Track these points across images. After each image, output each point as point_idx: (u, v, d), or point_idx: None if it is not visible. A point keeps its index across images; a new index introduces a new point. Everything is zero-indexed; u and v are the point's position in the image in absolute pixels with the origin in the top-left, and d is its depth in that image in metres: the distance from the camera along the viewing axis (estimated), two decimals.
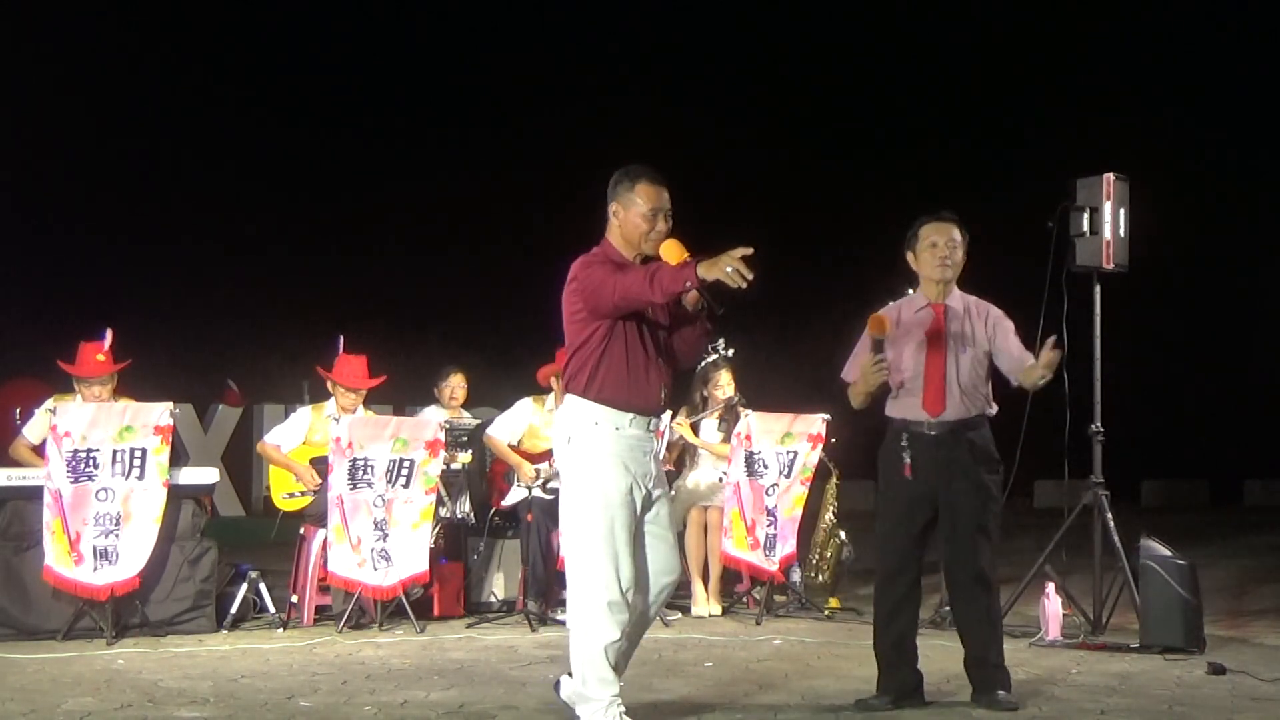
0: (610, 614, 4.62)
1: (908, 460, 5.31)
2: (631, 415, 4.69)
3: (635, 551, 4.70)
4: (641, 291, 4.52)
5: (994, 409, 5.49)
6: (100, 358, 7.32)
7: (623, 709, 4.66)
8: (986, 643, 5.41)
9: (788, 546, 8.26)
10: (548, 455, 8.10)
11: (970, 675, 5.48)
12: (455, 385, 9.05)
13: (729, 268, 4.33)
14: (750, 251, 4.34)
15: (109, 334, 7.42)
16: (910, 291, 5.79)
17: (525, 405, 8.33)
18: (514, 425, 8.29)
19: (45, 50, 16.26)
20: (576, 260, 4.77)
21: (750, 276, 4.32)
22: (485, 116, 20.18)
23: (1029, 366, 5.37)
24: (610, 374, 4.68)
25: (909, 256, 5.54)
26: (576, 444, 4.74)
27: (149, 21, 17.74)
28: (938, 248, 5.41)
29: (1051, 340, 5.28)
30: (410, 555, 7.47)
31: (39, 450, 7.33)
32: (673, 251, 4.66)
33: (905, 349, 5.41)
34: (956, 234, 5.46)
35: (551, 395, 8.32)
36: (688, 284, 4.44)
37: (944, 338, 5.38)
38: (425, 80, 19.87)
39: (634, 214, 4.74)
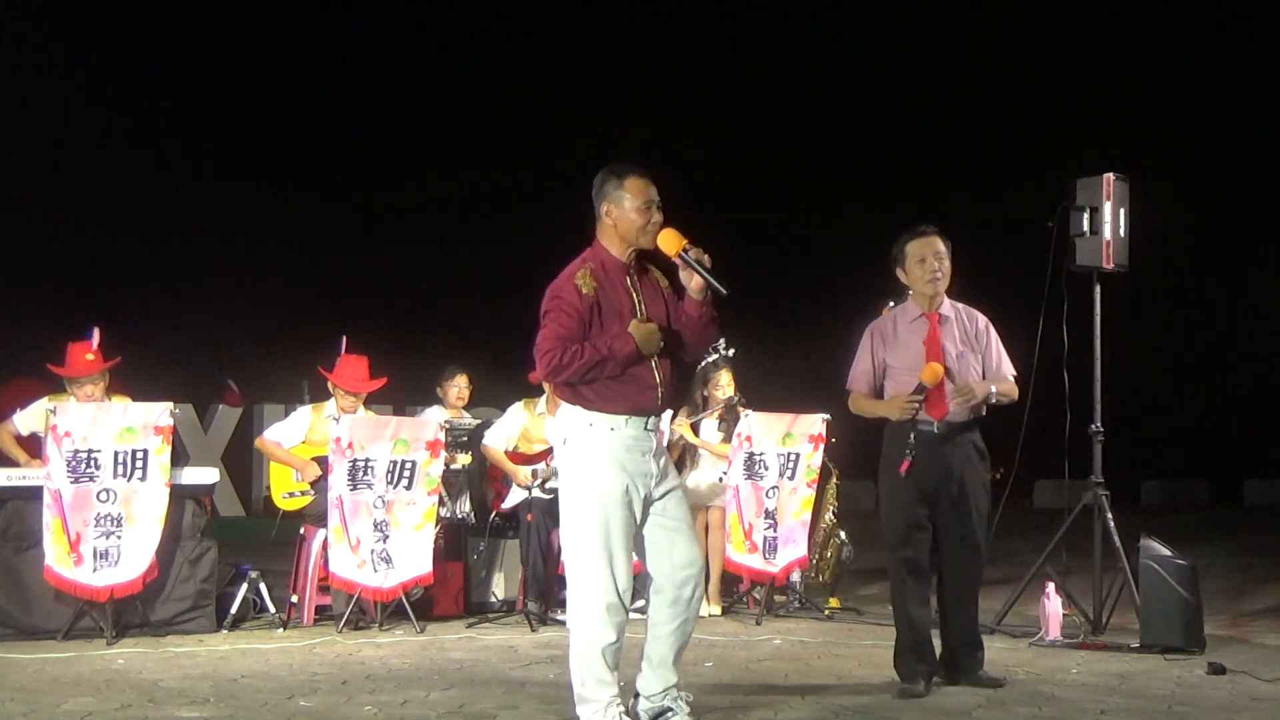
0: (607, 616, 4.60)
1: (909, 458, 5.55)
2: (626, 416, 4.66)
3: (631, 553, 4.67)
4: (582, 376, 4.60)
5: (984, 411, 5.75)
6: (89, 357, 7.28)
7: (622, 709, 4.66)
8: (974, 622, 5.80)
9: (798, 550, 8.25)
10: (543, 456, 8.11)
11: (959, 658, 5.75)
12: (462, 385, 9.07)
13: (657, 340, 4.59)
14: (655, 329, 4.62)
15: (96, 332, 7.37)
16: (891, 304, 6.07)
17: (516, 410, 8.35)
18: (508, 431, 8.30)
19: (43, 50, 16.26)
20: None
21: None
22: (487, 118, 20.19)
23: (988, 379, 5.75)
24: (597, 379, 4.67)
25: (898, 272, 5.80)
26: (571, 445, 4.72)
27: (148, 21, 17.74)
28: (926, 262, 5.68)
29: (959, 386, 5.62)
30: (414, 557, 7.46)
31: (24, 443, 7.32)
32: (669, 241, 4.65)
33: (905, 357, 5.69)
34: (941, 246, 5.72)
35: (543, 398, 8.32)
36: (629, 349, 4.57)
37: (940, 345, 5.66)
38: (428, 82, 19.88)
39: (627, 210, 4.72)
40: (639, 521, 4.70)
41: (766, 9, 21.54)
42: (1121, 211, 7.60)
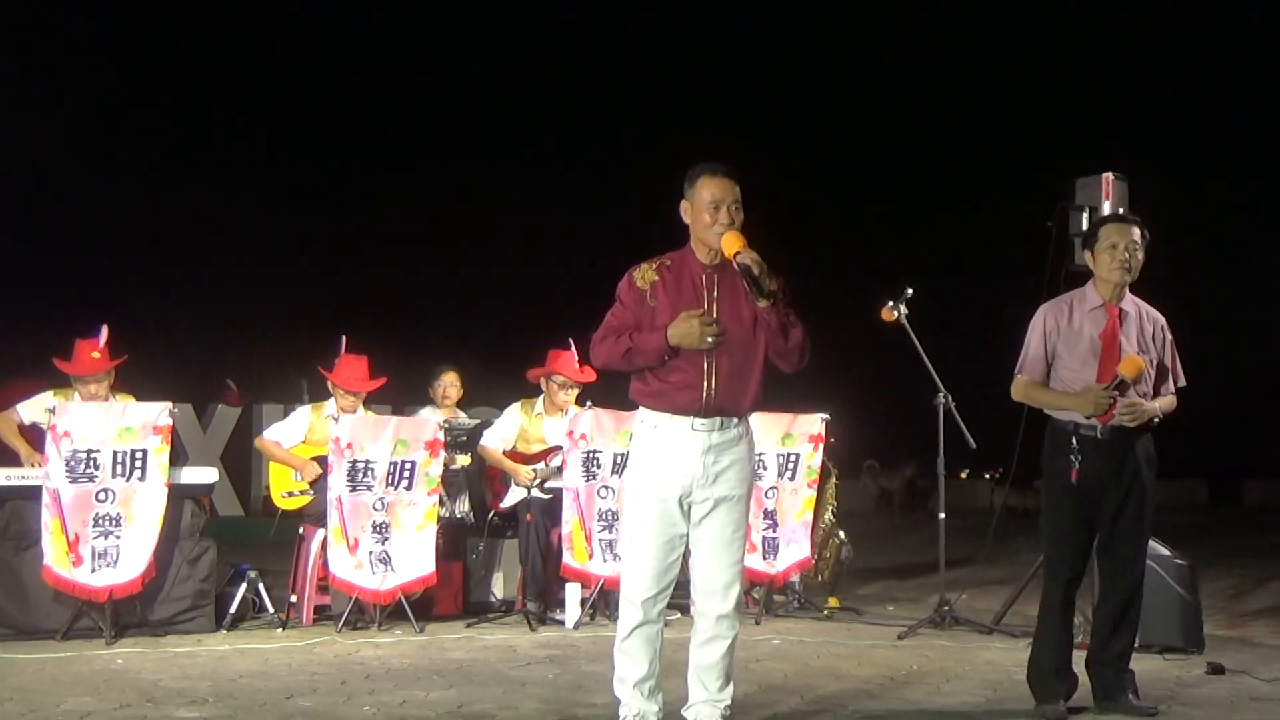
0: (624, 610, 4.66)
1: (1076, 465, 5.18)
2: (668, 414, 4.61)
3: (664, 552, 4.61)
4: (623, 366, 4.59)
5: (1155, 420, 5.32)
6: (95, 355, 7.29)
7: (628, 711, 4.64)
8: (1128, 646, 5.32)
9: (800, 552, 8.24)
10: (542, 456, 8.10)
11: (1098, 675, 5.32)
12: (448, 383, 8.92)
13: (700, 334, 4.42)
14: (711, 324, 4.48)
15: (104, 331, 7.38)
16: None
17: (513, 412, 8.31)
18: (505, 432, 8.27)
19: (47, 53, 16.28)
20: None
21: (717, 333, 4.44)
22: (482, 122, 20.23)
23: (1159, 396, 5.35)
24: (647, 372, 4.66)
25: (1086, 255, 5.42)
26: (632, 442, 4.79)
27: (156, 24, 17.77)
28: (1118, 250, 5.25)
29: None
30: (415, 557, 7.44)
31: (25, 432, 7.31)
32: (729, 243, 4.53)
33: (1077, 347, 5.28)
34: (1137, 235, 5.30)
35: (540, 398, 8.30)
36: (665, 356, 4.48)
37: (1118, 341, 5.25)
38: (425, 87, 19.92)
39: (698, 207, 4.64)
40: (686, 520, 4.62)
41: (765, 9, 21.56)
42: (1121, 212, 7.59)
